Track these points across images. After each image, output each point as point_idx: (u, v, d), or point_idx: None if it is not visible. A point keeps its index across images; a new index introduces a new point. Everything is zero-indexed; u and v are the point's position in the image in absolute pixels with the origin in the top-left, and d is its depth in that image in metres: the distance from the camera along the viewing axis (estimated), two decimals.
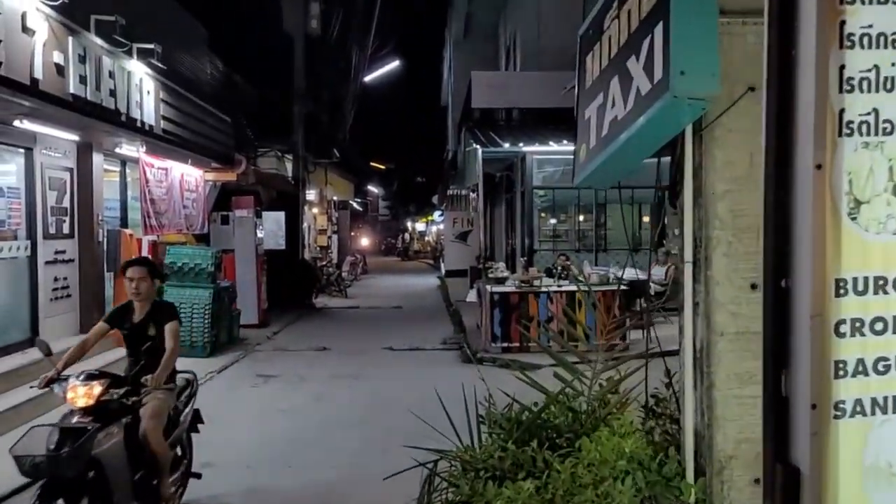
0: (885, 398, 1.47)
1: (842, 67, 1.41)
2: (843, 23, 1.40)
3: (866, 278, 1.44)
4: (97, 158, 9.78)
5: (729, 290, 2.35)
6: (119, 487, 4.14)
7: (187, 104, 11.35)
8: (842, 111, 1.42)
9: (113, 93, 8.39)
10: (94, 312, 9.79)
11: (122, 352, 5.87)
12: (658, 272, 13.93)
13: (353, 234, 43.83)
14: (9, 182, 8.35)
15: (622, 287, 11.85)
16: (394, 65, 26.44)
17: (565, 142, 13.91)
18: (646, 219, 16.31)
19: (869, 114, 1.43)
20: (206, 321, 11.07)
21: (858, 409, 1.45)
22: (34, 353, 8.38)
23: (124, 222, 11.13)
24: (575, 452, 2.65)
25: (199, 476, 5.54)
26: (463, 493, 2.76)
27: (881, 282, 1.46)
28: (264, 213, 15.82)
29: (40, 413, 7.39)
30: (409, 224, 55.87)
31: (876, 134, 1.44)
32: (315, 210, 24.32)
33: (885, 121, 1.44)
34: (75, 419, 4.05)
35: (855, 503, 1.46)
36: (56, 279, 9.17)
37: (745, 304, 2.32)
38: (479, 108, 15.15)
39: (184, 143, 11.07)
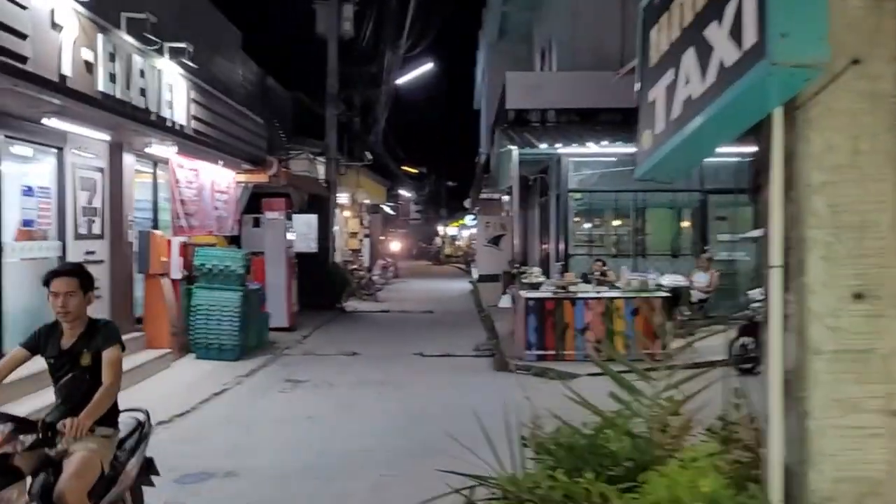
0: None
1: None
2: None
3: None
4: (128, 158, 9.66)
5: (827, 301, 2.01)
6: None
7: (219, 104, 11.21)
8: None
9: (143, 92, 8.25)
10: (124, 314, 9.67)
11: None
12: (701, 278, 13.47)
13: (384, 237, 43.75)
14: (40, 182, 8.25)
15: (664, 294, 11.46)
16: (426, 67, 26.20)
17: (605, 143, 13.50)
18: (685, 223, 15.83)
19: None
20: (235, 324, 10.89)
21: None
22: None
23: (155, 223, 11.01)
24: (638, 487, 2.33)
25: None
26: None
27: None
28: (295, 216, 15.66)
29: None
30: (440, 228, 55.63)
31: None
32: (347, 213, 24.19)
33: None
34: None
35: None
36: None
37: (847, 317, 1.98)
38: (514, 109, 14.82)
39: (215, 144, 10.93)
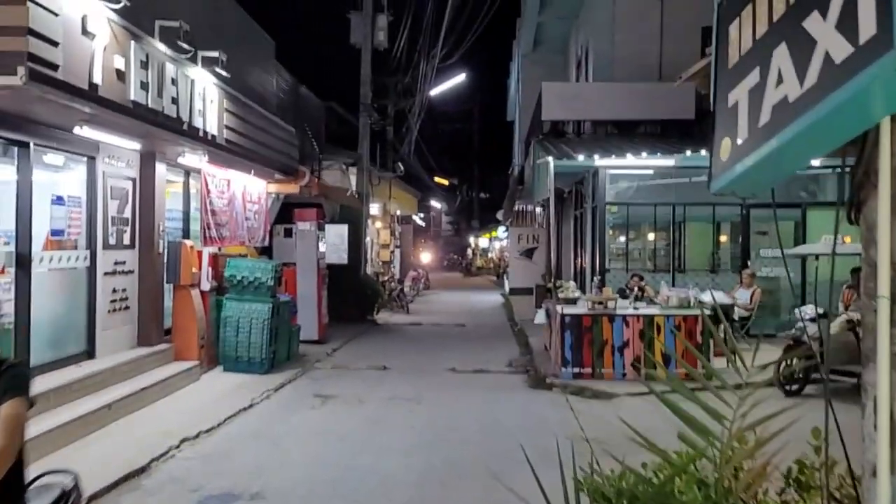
0: None
1: None
2: None
3: None
4: (160, 168, 9.57)
5: None
6: None
7: (251, 114, 11.10)
8: None
9: (175, 100, 8.13)
10: (153, 325, 9.55)
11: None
12: (742, 295, 13.04)
13: (415, 248, 43.58)
14: (70, 191, 8.16)
15: (706, 311, 11.06)
16: (459, 78, 26.07)
17: (644, 154, 13.15)
18: (725, 238, 15.39)
19: None
20: (265, 337, 10.73)
21: None
22: (90, 366, 8.15)
23: (186, 234, 10.92)
24: None
25: None
26: None
27: None
28: (327, 227, 15.53)
29: (90, 431, 7.10)
30: (471, 240, 55.39)
31: None
32: (378, 224, 24.05)
33: None
34: None
35: None
36: (115, 290, 8.95)
37: None
38: (550, 119, 14.55)
39: (247, 154, 10.81)
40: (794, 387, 10.04)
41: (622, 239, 15.51)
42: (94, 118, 6.91)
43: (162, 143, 8.81)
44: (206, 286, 10.51)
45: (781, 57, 1.75)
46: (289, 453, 7.02)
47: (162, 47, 7.84)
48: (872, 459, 1.79)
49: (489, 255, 50.77)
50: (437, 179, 43.89)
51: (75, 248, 8.25)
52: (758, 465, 2.39)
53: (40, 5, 5.53)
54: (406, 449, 7.21)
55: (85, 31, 6.22)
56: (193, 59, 8.72)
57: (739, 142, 2.04)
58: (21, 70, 5.36)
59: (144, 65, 7.35)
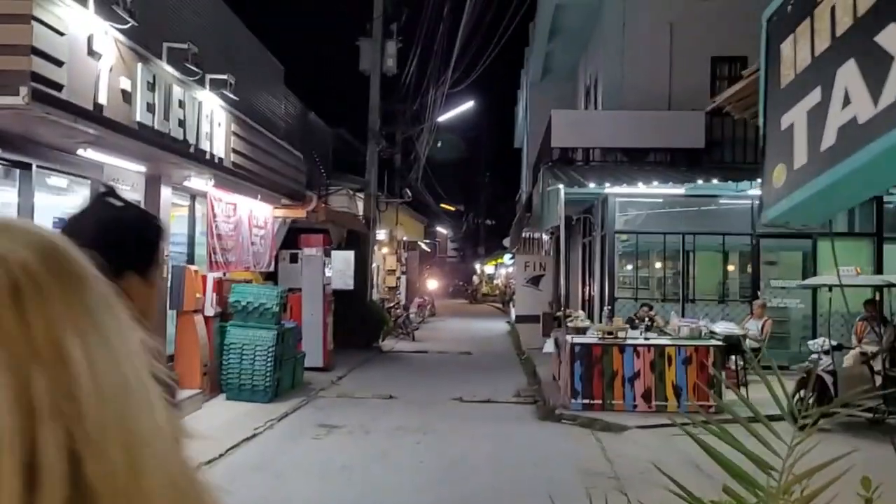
0: None
1: None
2: None
3: None
4: (165, 192, 9.44)
5: None
6: None
7: (259, 138, 11.00)
8: None
9: (182, 123, 8.02)
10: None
11: None
12: (753, 326, 12.80)
13: (421, 276, 43.38)
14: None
15: (718, 342, 10.85)
16: (467, 105, 26.09)
17: (655, 183, 13.00)
18: (732, 268, 15.19)
19: None
20: (269, 364, 10.52)
21: None
22: None
23: (191, 258, 10.75)
24: None
25: None
26: None
27: None
28: (333, 252, 15.37)
29: None
30: (477, 266, 55.19)
31: None
32: (385, 250, 23.89)
33: None
34: None
35: None
36: None
37: None
38: (560, 147, 14.45)
39: (254, 178, 10.69)
40: (808, 421, 9.80)
41: (630, 267, 15.32)
42: (98, 140, 6.79)
43: (168, 166, 8.69)
44: (210, 312, 10.33)
45: (849, 75, 1.59)
46: (292, 488, 6.79)
47: (169, 69, 7.75)
48: None
49: (495, 282, 50.55)
50: (443, 206, 43.83)
51: None
52: None
53: (45, 24, 5.43)
54: (414, 484, 6.98)
55: (91, 52, 6.12)
56: (201, 82, 8.63)
57: (797, 167, 1.86)
58: (24, 90, 5.24)
59: (151, 86, 7.24)
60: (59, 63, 5.63)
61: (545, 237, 27.11)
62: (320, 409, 10.62)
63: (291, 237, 14.27)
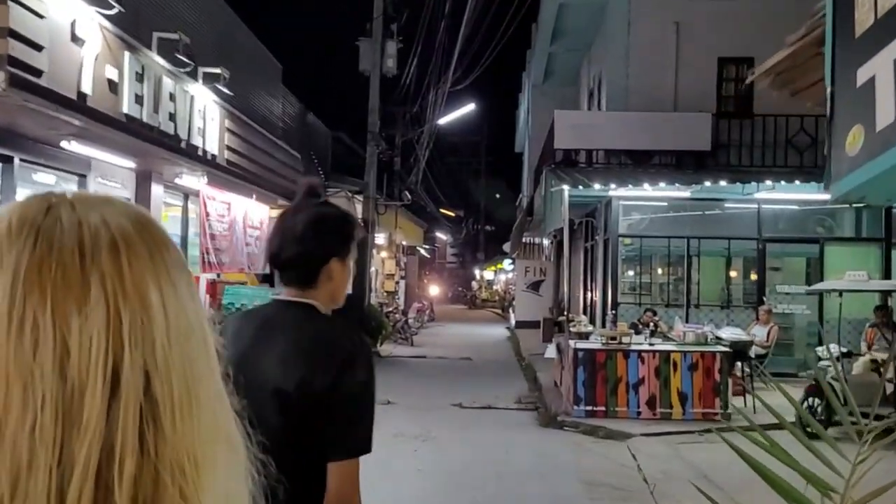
0: None
1: None
2: None
3: None
4: (156, 189, 9.15)
5: None
6: None
7: (255, 136, 10.73)
8: None
9: (172, 117, 7.74)
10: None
11: None
12: (759, 332, 12.51)
13: (421, 281, 43.12)
14: None
15: (724, 349, 10.56)
16: (468, 108, 25.83)
17: (662, 184, 12.71)
18: (735, 272, 14.90)
19: None
20: None
21: None
22: None
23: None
24: None
25: None
26: None
27: None
28: None
29: None
30: (477, 272, 54.90)
31: None
32: (383, 254, 23.61)
33: None
34: None
35: None
36: None
37: None
38: (563, 148, 14.17)
39: (249, 177, 10.41)
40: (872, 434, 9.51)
41: (633, 272, 15.04)
42: (83, 132, 6.50)
43: (158, 162, 8.40)
44: None
45: None
46: None
47: (160, 60, 7.47)
48: None
49: (494, 287, 50.25)
50: (443, 210, 43.57)
51: None
52: None
53: (23, 5, 5.14)
54: (413, 495, 6.68)
55: (74, 38, 5.83)
56: (194, 75, 8.35)
57: (880, 127, 1.55)
58: (0, 75, 4.96)
59: (140, 77, 6.95)
60: (38, 47, 5.35)
61: (545, 242, 26.81)
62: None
63: None
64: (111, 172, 8.30)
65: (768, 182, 12.53)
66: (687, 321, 13.09)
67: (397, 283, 24.91)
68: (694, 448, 9.00)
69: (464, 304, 47.14)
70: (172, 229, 10.26)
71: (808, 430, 9.49)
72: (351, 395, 1.79)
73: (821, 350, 10.75)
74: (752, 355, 11.59)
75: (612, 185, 12.67)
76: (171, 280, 0.62)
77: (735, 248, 14.63)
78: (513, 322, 26.18)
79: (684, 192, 13.40)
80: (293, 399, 1.78)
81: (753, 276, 14.71)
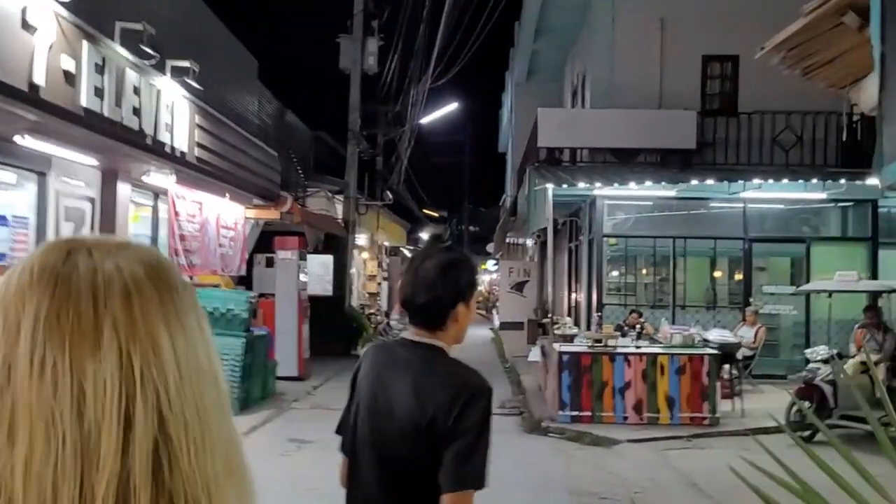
0: None
1: None
2: None
3: None
4: (123, 188, 8.75)
5: None
6: None
7: (228, 133, 10.34)
8: None
9: (137, 111, 7.35)
10: None
11: None
12: (746, 333, 12.30)
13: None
14: (16, 210, 7.31)
15: (713, 351, 10.32)
16: (451, 107, 25.55)
17: (649, 183, 12.46)
18: (719, 273, 14.69)
19: None
20: (237, 374, 9.83)
21: None
22: None
23: None
24: None
25: None
26: None
27: None
28: (310, 256, 14.72)
29: None
30: None
31: None
32: (365, 255, 23.26)
33: None
34: None
35: None
36: None
37: None
38: (546, 147, 13.88)
39: (222, 176, 10.03)
40: (806, 433, 9.29)
41: (617, 273, 14.80)
42: (38, 126, 6.11)
43: (123, 159, 8.01)
44: None
45: None
46: None
47: (123, 51, 7.08)
48: None
49: (478, 288, 49.93)
50: (426, 211, 43.27)
51: None
52: None
53: None
54: None
55: (25, 25, 5.44)
56: (161, 68, 7.97)
57: None
58: None
59: (100, 69, 6.57)
60: None
61: (529, 243, 26.56)
62: (292, 421, 9.96)
63: (265, 240, 13.61)
64: (74, 171, 7.90)
65: (756, 181, 12.31)
66: (673, 322, 12.86)
67: (379, 284, 24.55)
68: (682, 454, 8.74)
69: None
70: (142, 230, 9.87)
71: (801, 435, 9.35)
72: (469, 430, 1.93)
73: (810, 352, 10.54)
74: (740, 357, 11.37)
75: (598, 184, 12.39)
76: (182, 323, 0.66)
77: (721, 248, 14.43)
78: (496, 323, 25.90)
79: (670, 192, 13.17)
80: (420, 431, 1.95)
81: (738, 277, 14.52)
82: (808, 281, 12.95)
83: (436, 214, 49.81)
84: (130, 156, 7.74)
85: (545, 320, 14.43)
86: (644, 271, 14.99)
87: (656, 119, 13.78)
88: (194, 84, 8.53)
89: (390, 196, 22.59)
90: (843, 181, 12.24)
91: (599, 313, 12.86)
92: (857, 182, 12.04)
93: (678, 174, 12.85)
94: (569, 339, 10.73)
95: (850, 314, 11.92)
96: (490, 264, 40.97)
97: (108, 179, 8.53)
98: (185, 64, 8.28)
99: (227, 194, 10.80)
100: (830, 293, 10.06)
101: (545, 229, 12.81)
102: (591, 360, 9.92)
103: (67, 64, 6.05)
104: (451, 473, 1.91)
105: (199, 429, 0.64)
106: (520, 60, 23.04)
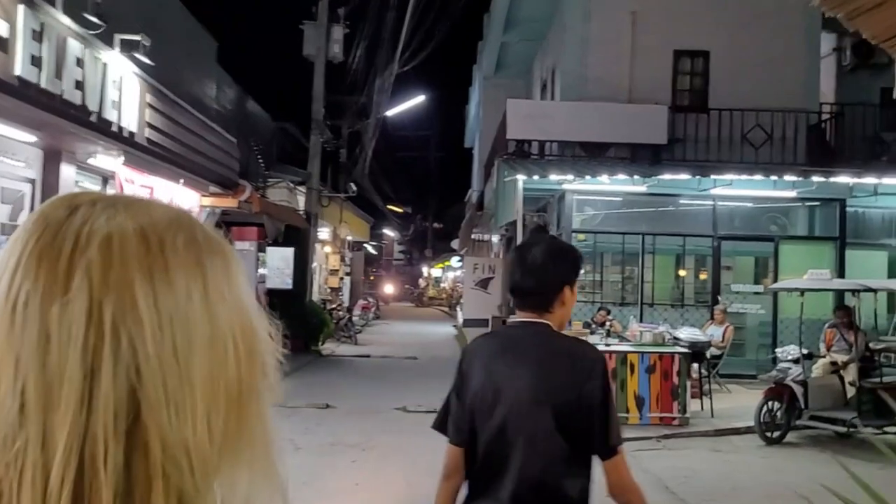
0: None
1: None
2: None
3: None
4: (67, 170, 8.16)
5: None
6: None
7: (183, 115, 9.79)
8: None
9: (80, 85, 6.81)
10: None
11: None
12: (714, 332, 12.13)
13: (373, 279, 42.39)
14: None
15: (683, 350, 10.09)
16: (418, 100, 25.13)
17: (621, 176, 12.21)
18: (682, 273, 14.53)
19: None
20: None
21: None
22: None
23: None
24: None
25: None
26: None
27: None
28: (269, 249, 14.22)
29: None
30: (424, 269, 54.26)
31: None
32: (328, 249, 22.73)
33: None
34: None
35: None
36: None
37: None
38: (515, 139, 13.54)
39: (175, 160, 9.49)
40: (776, 434, 9.12)
41: (584, 270, 14.53)
42: None
43: (66, 137, 7.44)
44: None
45: None
46: None
47: (64, 20, 6.54)
48: None
49: (442, 285, 49.69)
50: (391, 207, 42.82)
51: None
52: None
53: None
54: None
55: None
56: (109, 41, 7.43)
57: None
58: None
59: (37, 36, 6.03)
60: None
61: (495, 239, 26.27)
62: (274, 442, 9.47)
63: (222, 230, 13.04)
64: (11, 148, 7.31)
65: (729, 176, 12.15)
66: (641, 320, 12.64)
67: (342, 279, 24.03)
68: (653, 456, 8.46)
69: (411, 301, 46.50)
70: None
71: (768, 435, 9.15)
72: (603, 397, 2.10)
73: (780, 351, 10.37)
74: (708, 356, 11.18)
75: (569, 176, 12.09)
76: (170, 280, 0.62)
77: (690, 246, 14.28)
78: (460, 320, 25.59)
79: (640, 187, 12.96)
80: (554, 404, 2.09)
81: (703, 276, 14.40)
82: (776, 280, 12.84)
83: (400, 210, 49.40)
84: (73, 133, 7.18)
85: (511, 318, 14.11)
86: (612, 268, 14.77)
87: (627, 113, 13.56)
88: (145, 59, 7.99)
89: (354, 188, 22.09)
90: (814, 178, 12.13)
91: None
92: (828, 180, 11.97)
93: (651, 168, 12.63)
94: None
95: (817, 313, 11.81)
96: (454, 261, 40.66)
97: (51, 160, 7.95)
98: (136, 38, 7.74)
99: (181, 180, 10.23)
100: (803, 292, 9.88)
101: (513, 224, 12.48)
102: None
103: (0, 28, 5.51)
104: (605, 441, 2.08)
105: (184, 393, 0.60)
106: (488, 53, 22.70)
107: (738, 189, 12.79)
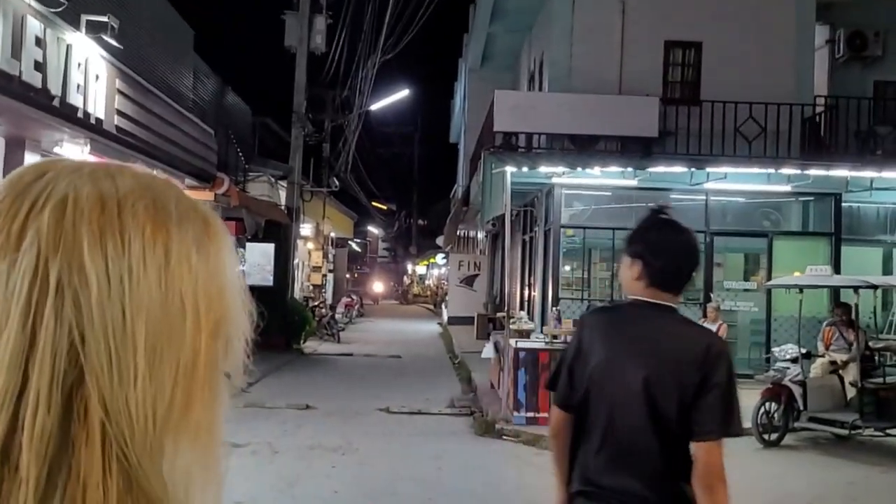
0: None
1: None
2: None
3: None
4: (31, 159, 7.67)
5: None
6: None
7: (156, 103, 9.33)
8: None
9: (40, 66, 6.35)
10: None
11: None
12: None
13: (357, 276, 41.95)
14: None
15: None
16: (402, 94, 24.75)
17: (613, 168, 11.87)
18: None
19: None
20: None
21: None
22: None
23: None
24: None
25: None
26: None
27: None
28: (249, 244, 13.77)
29: None
30: (409, 267, 53.86)
31: None
32: (310, 245, 22.27)
33: None
34: None
35: None
36: None
37: None
38: (503, 131, 13.15)
39: (147, 150, 9.02)
40: (773, 436, 8.80)
41: (569, 267, 14.19)
42: None
43: (28, 123, 6.97)
44: None
45: None
46: None
47: None
48: None
49: (426, 282, 49.33)
50: (375, 204, 42.36)
51: None
52: None
53: None
54: None
55: None
56: (74, 22, 6.96)
57: None
58: None
59: None
60: None
61: (480, 236, 25.93)
62: (223, 421, 9.04)
63: None
64: None
65: (723, 169, 11.85)
66: None
67: (325, 276, 23.57)
68: None
69: (395, 299, 46.11)
70: None
71: (766, 437, 8.83)
72: (724, 382, 2.14)
73: (778, 350, 10.07)
74: None
75: (559, 169, 11.72)
76: (124, 244, 0.59)
77: None
78: (445, 318, 25.24)
79: (630, 181, 12.62)
80: (676, 383, 2.14)
81: (700, 271, 14.08)
82: (770, 275, 12.55)
83: (384, 207, 48.92)
84: (35, 119, 6.72)
85: (498, 315, 13.78)
86: (602, 264, 14.43)
87: (618, 105, 13.20)
88: (113, 42, 7.52)
89: (337, 183, 21.63)
90: (810, 171, 11.85)
91: (558, 307, 12.20)
92: (826, 173, 11.69)
93: (644, 161, 12.28)
94: (525, 334, 10.06)
95: (812, 311, 11.53)
96: (439, 258, 40.30)
97: (13, 149, 7.48)
98: (103, 19, 7.27)
99: (154, 171, 9.76)
100: (802, 289, 9.57)
101: (500, 218, 12.11)
102: (550, 358, 9.20)
103: None
104: (714, 423, 2.11)
105: (126, 358, 0.57)
106: (474, 45, 22.29)
107: (730, 183, 12.49)
